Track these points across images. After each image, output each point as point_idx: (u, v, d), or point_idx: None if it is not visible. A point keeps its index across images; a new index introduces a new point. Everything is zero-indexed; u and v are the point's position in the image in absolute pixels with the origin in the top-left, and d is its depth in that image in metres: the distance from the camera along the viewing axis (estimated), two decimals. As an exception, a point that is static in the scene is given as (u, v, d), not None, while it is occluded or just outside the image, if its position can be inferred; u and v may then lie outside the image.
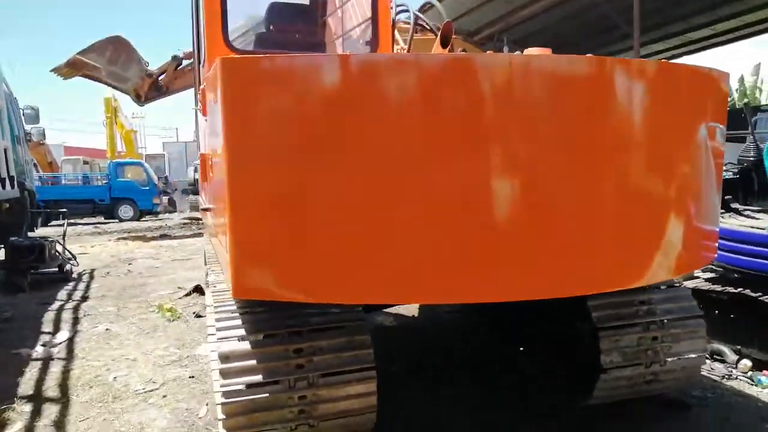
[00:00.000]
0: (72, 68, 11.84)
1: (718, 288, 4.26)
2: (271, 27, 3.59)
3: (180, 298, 6.30)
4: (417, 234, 2.40)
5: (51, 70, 12.04)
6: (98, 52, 11.75)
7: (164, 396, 3.75)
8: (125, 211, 20.58)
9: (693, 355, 3.35)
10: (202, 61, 4.54)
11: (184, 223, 17.67)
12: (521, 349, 4.39)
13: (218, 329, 2.86)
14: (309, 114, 2.36)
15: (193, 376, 4.06)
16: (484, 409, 3.51)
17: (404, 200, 2.38)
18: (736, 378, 3.90)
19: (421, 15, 3.77)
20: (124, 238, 13.73)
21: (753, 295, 3.90)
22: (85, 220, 20.08)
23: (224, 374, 2.71)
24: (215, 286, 3.46)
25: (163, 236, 14.13)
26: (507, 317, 4.45)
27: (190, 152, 36.63)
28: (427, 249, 2.41)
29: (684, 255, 2.82)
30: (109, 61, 11.88)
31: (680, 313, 3.35)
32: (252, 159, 2.42)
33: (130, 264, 9.35)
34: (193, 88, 11.87)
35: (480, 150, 2.40)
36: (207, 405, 3.61)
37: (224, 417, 2.65)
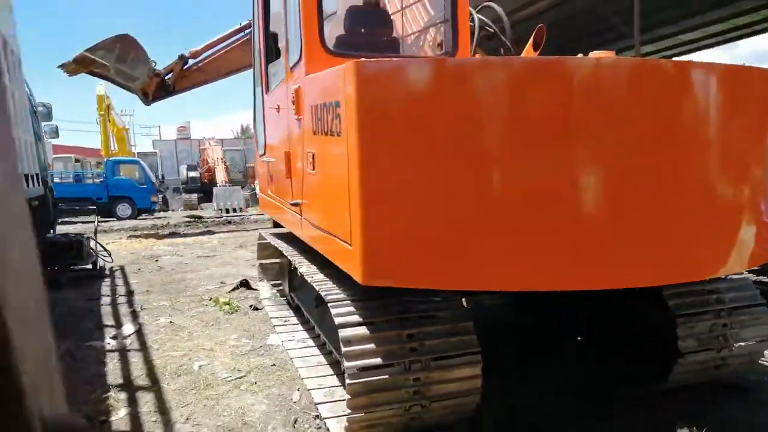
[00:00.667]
0: (79, 65, 11.81)
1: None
2: (350, 29, 3.77)
3: (228, 292, 6.45)
4: (524, 226, 2.61)
5: (58, 66, 12.01)
6: (106, 50, 11.71)
7: (254, 383, 3.92)
8: (123, 209, 20.50)
9: (756, 341, 3.59)
10: (272, 60, 4.72)
11: (189, 222, 17.69)
12: (579, 339, 4.63)
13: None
14: (431, 114, 2.57)
15: (274, 365, 4.23)
16: (570, 395, 3.71)
17: (515, 195, 2.61)
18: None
19: (485, 19, 3.99)
20: (136, 236, 13.77)
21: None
22: (82, 218, 19.97)
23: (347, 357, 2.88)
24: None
25: (173, 234, 14.19)
26: (562, 309, 4.66)
27: (179, 150, 36.70)
28: (534, 240, 2.63)
29: (755, 248, 3.03)
30: (117, 59, 11.84)
31: (745, 301, 3.58)
32: (382, 155, 2.62)
33: (156, 260, 9.45)
34: (195, 87, 12.06)
35: (577, 148, 2.63)
36: (298, 390, 3.78)
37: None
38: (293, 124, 3.77)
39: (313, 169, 3.37)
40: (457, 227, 2.64)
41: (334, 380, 3.87)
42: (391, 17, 4.03)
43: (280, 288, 5.84)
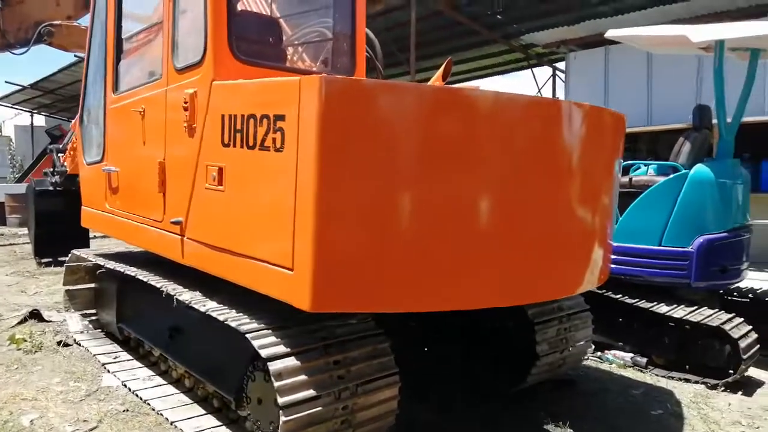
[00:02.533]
0: None
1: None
2: (246, 36, 3.50)
3: (13, 326, 5.25)
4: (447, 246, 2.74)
5: None
6: None
7: (115, 434, 3.30)
8: None
9: (584, 342, 4.32)
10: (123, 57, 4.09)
11: None
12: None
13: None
14: (398, 135, 2.59)
15: (127, 410, 3.61)
16: (453, 403, 3.95)
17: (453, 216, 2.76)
18: (588, 359, 5.07)
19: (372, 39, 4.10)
20: None
21: (614, 296, 5.11)
22: None
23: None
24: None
25: None
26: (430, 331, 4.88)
27: None
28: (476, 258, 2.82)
29: (603, 267, 3.65)
30: None
31: (577, 308, 4.28)
32: (340, 175, 2.54)
33: None
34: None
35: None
36: (177, 436, 3.31)
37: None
38: (177, 132, 3.33)
39: (219, 185, 3.03)
40: (406, 248, 2.66)
41: (212, 420, 3.49)
42: (283, 30, 3.84)
43: (95, 319, 4.99)
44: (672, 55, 9.07)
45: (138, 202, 3.84)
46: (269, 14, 4.11)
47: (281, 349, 2.79)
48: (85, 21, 10.10)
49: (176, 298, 3.39)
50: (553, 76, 18.33)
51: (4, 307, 6.03)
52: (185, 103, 3.21)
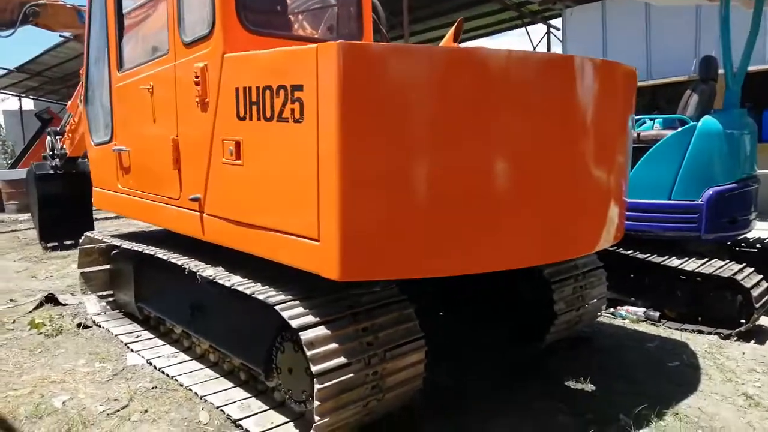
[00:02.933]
0: None
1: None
2: (256, 6, 3.43)
3: (31, 311, 5.27)
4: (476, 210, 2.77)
5: None
6: None
7: (145, 411, 3.35)
8: None
9: (599, 299, 4.37)
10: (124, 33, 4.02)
11: None
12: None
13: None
14: (417, 99, 2.58)
15: (156, 387, 3.66)
16: (478, 368, 4.00)
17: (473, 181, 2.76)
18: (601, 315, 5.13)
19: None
20: None
21: (625, 252, 5.14)
22: None
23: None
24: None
25: None
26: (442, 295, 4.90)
27: None
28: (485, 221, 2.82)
29: (619, 224, 3.66)
30: None
31: (591, 265, 4.31)
32: (364, 144, 2.54)
33: None
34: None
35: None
36: (204, 410, 3.36)
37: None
38: (189, 107, 3.29)
39: (237, 159, 3.01)
40: (428, 212, 2.67)
41: (240, 392, 3.54)
42: (286, -2, 3.77)
43: (112, 300, 5.01)
44: (670, 8, 8.97)
45: (152, 180, 3.82)
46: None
47: (311, 319, 2.82)
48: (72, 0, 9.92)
49: (200, 275, 3.40)
50: (548, 33, 18.12)
51: (18, 293, 6.04)
52: (196, 77, 3.16)
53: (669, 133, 5.15)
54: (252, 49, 3.04)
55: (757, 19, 4.99)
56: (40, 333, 4.64)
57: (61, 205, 8.23)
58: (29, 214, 11.15)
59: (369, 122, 2.51)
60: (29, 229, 10.85)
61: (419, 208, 2.64)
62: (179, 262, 3.62)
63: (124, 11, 4.06)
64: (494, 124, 2.75)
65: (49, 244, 8.64)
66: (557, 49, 18.11)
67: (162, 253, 3.81)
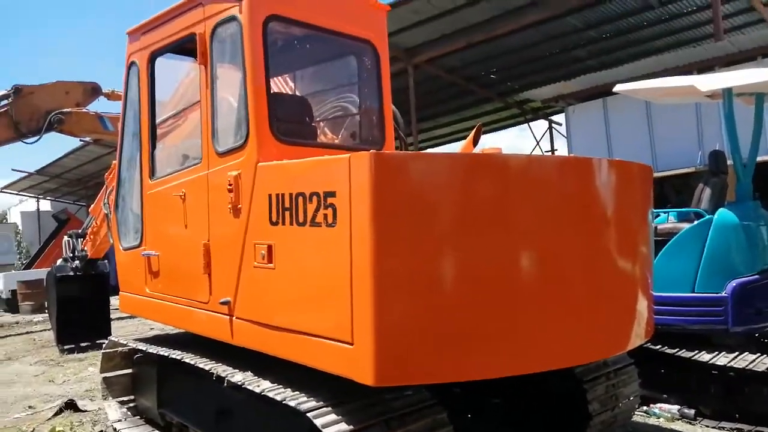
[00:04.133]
0: None
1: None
2: (285, 117, 3.63)
3: (49, 419, 5.15)
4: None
5: None
6: None
7: None
8: None
9: (633, 397, 4.24)
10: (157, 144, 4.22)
11: None
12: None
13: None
14: (445, 203, 2.67)
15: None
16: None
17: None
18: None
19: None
20: None
21: (654, 347, 5.04)
22: None
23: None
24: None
25: None
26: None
27: None
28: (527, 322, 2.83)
29: (649, 320, 3.60)
30: None
31: (622, 362, 4.23)
32: (396, 247, 2.59)
33: None
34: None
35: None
36: None
37: None
38: (222, 213, 3.39)
39: (269, 263, 3.07)
40: (461, 315, 2.68)
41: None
42: (312, 107, 3.99)
43: (133, 405, 4.90)
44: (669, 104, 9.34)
45: (182, 284, 3.86)
46: (293, 92, 4.27)
47: (344, 426, 2.75)
48: (92, 107, 10.47)
49: (228, 380, 3.35)
50: (550, 128, 18.82)
51: (36, 399, 5.94)
52: (230, 185, 3.29)
53: (685, 226, 5.21)
54: (283, 157, 3.19)
55: (759, 115, 5.19)
56: (59, 444, 4.52)
57: (80, 307, 8.26)
58: (44, 315, 11.14)
59: (400, 226, 2.59)
60: (45, 330, 10.80)
61: (451, 310, 2.66)
62: (206, 367, 3.58)
63: (156, 121, 4.29)
64: (519, 227, 2.82)
65: (66, 347, 8.59)
66: (560, 143, 18.76)
67: (189, 358, 3.78)
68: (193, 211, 3.72)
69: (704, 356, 4.84)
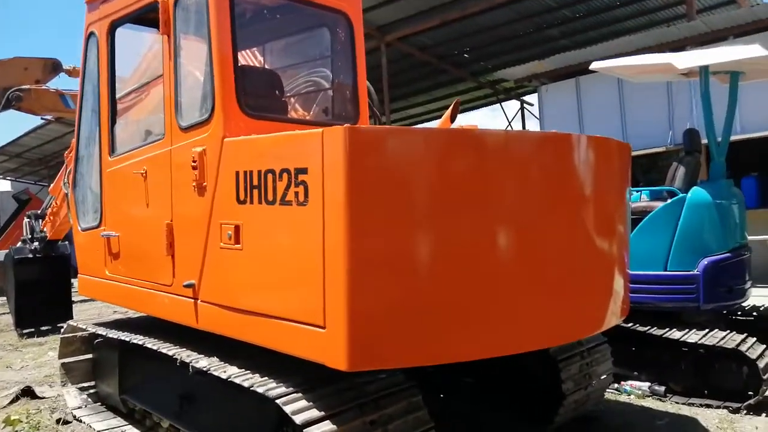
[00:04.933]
0: None
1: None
2: (253, 91, 3.45)
3: (4, 406, 4.92)
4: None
5: None
6: None
7: None
8: None
9: (606, 375, 4.24)
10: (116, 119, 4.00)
11: None
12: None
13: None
14: (421, 180, 2.56)
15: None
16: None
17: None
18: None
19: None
20: None
21: (625, 325, 5.04)
22: None
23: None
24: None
25: None
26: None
27: None
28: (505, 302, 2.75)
29: (625, 299, 3.57)
30: None
31: (595, 341, 4.22)
32: (371, 226, 2.48)
33: None
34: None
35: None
36: None
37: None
38: (185, 191, 3.22)
39: (236, 243, 2.92)
40: (436, 296, 2.58)
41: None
42: (282, 81, 3.80)
43: (93, 392, 4.72)
44: (642, 84, 9.35)
45: (143, 266, 3.68)
46: (263, 66, 4.09)
47: (315, 413, 2.65)
48: (53, 84, 10.04)
49: (192, 366, 3.21)
50: (522, 109, 18.83)
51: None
52: (194, 161, 3.11)
53: (659, 204, 5.20)
54: (251, 132, 3.03)
55: (733, 94, 5.18)
56: (16, 431, 4.31)
57: (40, 290, 7.96)
58: (2, 299, 10.76)
59: (375, 204, 2.46)
60: (3, 314, 10.42)
61: (427, 291, 2.56)
62: (170, 353, 3.43)
63: (117, 96, 4.06)
64: (497, 204, 2.73)
65: (25, 331, 8.28)
66: (532, 123, 18.79)
67: (151, 343, 3.62)
68: (155, 190, 3.53)
69: (675, 334, 4.87)
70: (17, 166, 24.87)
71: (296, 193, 2.61)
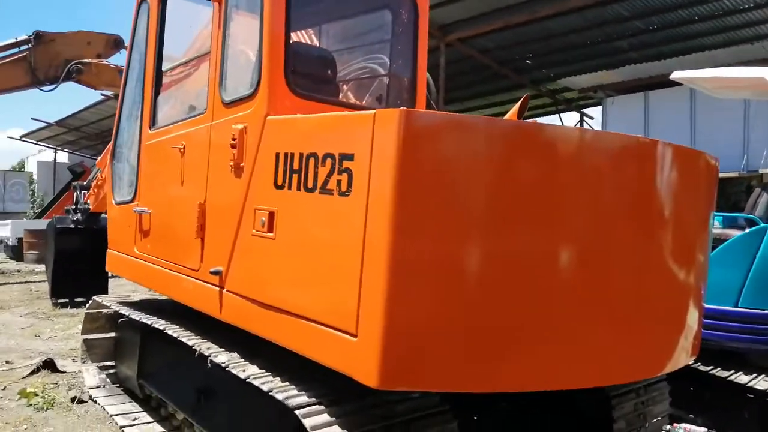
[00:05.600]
0: None
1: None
2: (305, 69, 3.19)
3: (25, 377, 4.83)
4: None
5: None
6: None
7: None
8: None
9: (662, 417, 3.81)
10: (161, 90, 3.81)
11: None
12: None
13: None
14: (485, 178, 2.22)
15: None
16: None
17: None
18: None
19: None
20: None
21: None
22: None
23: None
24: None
25: None
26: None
27: None
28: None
29: (697, 337, 3.12)
30: None
31: (653, 378, 3.79)
32: (422, 224, 2.16)
33: None
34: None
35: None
36: None
37: None
38: (222, 171, 2.98)
39: (269, 232, 2.65)
40: (486, 313, 2.24)
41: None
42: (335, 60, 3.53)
43: (112, 372, 4.56)
44: (718, 100, 8.74)
45: (171, 247, 3.46)
46: (317, 45, 3.82)
47: (336, 430, 2.35)
48: (114, 60, 10.14)
49: (211, 360, 2.97)
50: (581, 121, 18.14)
51: (17, 354, 5.63)
52: (233, 139, 2.86)
53: (735, 233, 4.71)
54: (296, 113, 2.76)
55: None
56: (30, 404, 4.18)
57: (77, 261, 7.95)
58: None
59: (428, 200, 2.15)
60: (43, 281, 10.57)
61: (476, 307, 2.22)
62: (190, 342, 3.20)
63: (163, 68, 3.87)
64: (565, 216, 2.36)
65: (59, 300, 8.32)
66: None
67: (172, 329, 3.41)
68: (191, 167, 3.30)
69: (742, 378, 4.38)
70: (75, 139, 25.62)
71: (339, 182, 2.32)
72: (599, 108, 12.08)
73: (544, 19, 11.26)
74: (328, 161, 2.38)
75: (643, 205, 2.58)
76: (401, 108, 2.12)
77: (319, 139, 2.47)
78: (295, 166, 2.54)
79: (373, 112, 2.21)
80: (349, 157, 2.28)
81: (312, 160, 2.46)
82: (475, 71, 14.68)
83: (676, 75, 4.87)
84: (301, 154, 2.51)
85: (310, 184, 2.46)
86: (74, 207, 8.29)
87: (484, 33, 12.18)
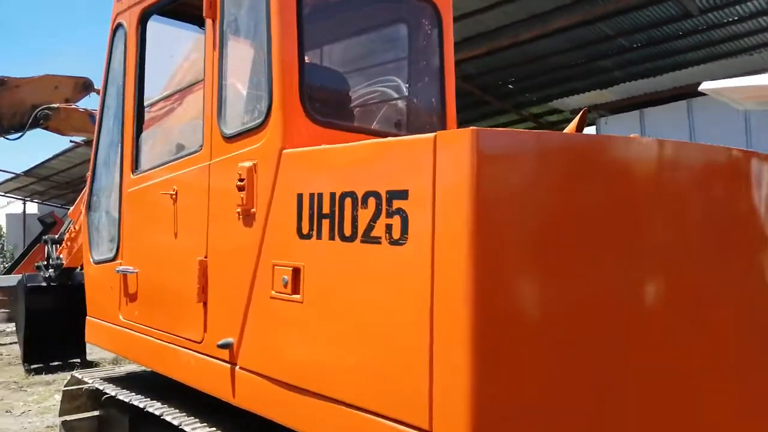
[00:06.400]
0: None
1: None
2: (321, 93, 2.70)
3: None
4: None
5: None
6: None
7: None
8: None
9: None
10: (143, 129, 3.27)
11: None
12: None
13: None
14: (588, 209, 1.73)
15: None
16: None
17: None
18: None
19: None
20: None
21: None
22: None
23: None
24: None
25: None
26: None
27: None
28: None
29: None
30: None
31: None
32: (513, 276, 1.67)
33: None
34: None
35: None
36: None
37: None
38: (227, 219, 2.45)
39: (294, 293, 2.11)
40: (623, 398, 1.73)
41: None
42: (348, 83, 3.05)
43: (96, 456, 3.89)
44: (716, 113, 8.49)
45: (166, 314, 2.88)
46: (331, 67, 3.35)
47: None
48: (83, 103, 9.61)
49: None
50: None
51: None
52: (240, 180, 2.34)
53: None
54: (316, 144, 2.25)
55: None
56: None
57: (51, 322, 7.25)
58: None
59: (518, 245, 1.65)
60: (14, 343, 9.76)
61: (600, 389, 1.71)
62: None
63: (146, 103, 3.35)
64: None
65: (33, 366, 7.57)
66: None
67: (171, 414, 2.80)
68: (186, 216, 2.75)
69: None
70: (44, 189, 24.75)
71: (388, 227, 1.81)
72: (593, 128, 11.84)
73: (525, 43, 11.07)
74: (371, 201, 1.87)
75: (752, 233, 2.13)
76: (471, 127, 1.64)
77: (356, 174, 1.98)
78: (325, 210, 2.02)
79: (431, 135, 1.72)
80: (402, 194, 1.78)
81: (348, 201, 1.95)
82: (458, 98, 14.42)
83: (704, 86, 4.52)
84: (332, 194, 2.00)
85: (347, 232, 1.95)
86: (46, 263, 7.62)
87: (466, 59, 11.94)
